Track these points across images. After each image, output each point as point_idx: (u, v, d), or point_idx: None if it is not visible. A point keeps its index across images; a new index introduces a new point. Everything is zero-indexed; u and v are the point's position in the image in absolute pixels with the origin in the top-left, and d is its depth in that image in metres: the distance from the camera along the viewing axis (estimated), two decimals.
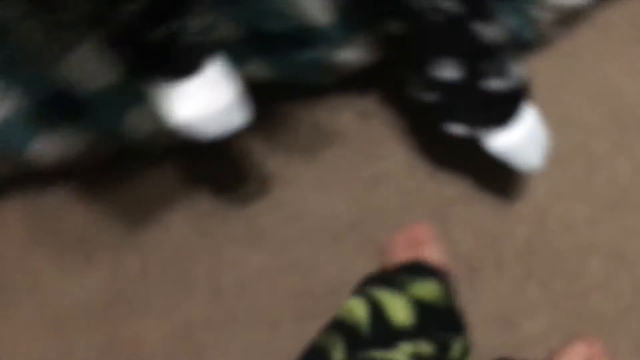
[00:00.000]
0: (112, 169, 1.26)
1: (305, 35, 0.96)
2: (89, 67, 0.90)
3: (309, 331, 1.22)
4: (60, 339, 1.31)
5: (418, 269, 1.02)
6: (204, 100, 0.85)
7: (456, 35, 0.90)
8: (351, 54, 1.03)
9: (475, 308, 1.19)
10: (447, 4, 0.85)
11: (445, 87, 0.95)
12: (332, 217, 1.23)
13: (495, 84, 0.95)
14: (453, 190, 1.20)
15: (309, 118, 1.25)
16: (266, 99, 1.05)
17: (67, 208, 1.31)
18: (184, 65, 0.83)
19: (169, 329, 1.27)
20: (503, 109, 0.98)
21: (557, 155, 1.18)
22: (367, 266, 1.21)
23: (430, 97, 0.99)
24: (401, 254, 1.13)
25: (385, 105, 1.23)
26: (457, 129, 1.01)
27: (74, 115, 1.03)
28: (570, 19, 1.12)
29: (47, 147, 1.08)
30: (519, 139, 1.00)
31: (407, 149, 1.21)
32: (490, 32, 0.90)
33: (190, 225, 1.28)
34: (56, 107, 0.99)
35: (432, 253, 1.14)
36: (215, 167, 1.26)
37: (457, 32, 0.89)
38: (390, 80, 1.21)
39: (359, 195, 1.22)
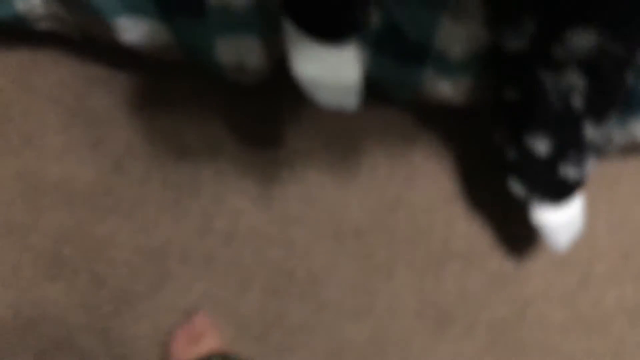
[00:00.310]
0: (171, 77, 1.25)
1: (427, 53, 0.99)
2: None
3: (272, 307, 1.24)
4: (32, 207, 1.27)
5: None
6: (331, 69, 0.86)
7: (566, 125, 0.95)
8: (450, 90, 1.06)
9: (427, 357, 1.24)
10: (575, 100, 0.90)
11: (529, 154, 1.00)
12: (343, 217, 1.25)
13: (570, 171, 1.02)
14: (460, 245, 1.24)
15: (361, 120, 1.27)
16: None
17: (104, 87, 1.28)
18: (335, 28, 0.84)
19: (144, 244, 1.25)
20: (563, 192, 1.05)
21: (562, 260, 1.25)
22: (354, 274, 1.24)
23: (510, 153, 1.04)
24: (183, 351, 1.17)
25: (440, 140, 1.27)
26: (516, 189, 1.07)
27: (174, 15, 1.01)
28: (633, 150, 1.19)
29: (132, 28, 1.06)
30: (561, 220, 1.07)
31: (439, 189, 1.25)
32: (595, 134, 0.96)
33: (207, 159, 1.27)
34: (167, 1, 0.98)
35: (212, 342, 1.18)
36: (259, 120, 1.26)
37: (569, 122, 0.94)
38: (454, 120, 1.25)
39: (376, 209, 1.25)
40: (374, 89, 1.17)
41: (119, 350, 1.22)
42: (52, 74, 1.32)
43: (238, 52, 1.05)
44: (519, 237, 1.24)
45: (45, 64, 1.32)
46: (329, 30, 0.84)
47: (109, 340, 1.23)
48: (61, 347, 1.23)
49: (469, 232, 1.25)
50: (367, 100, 1.25)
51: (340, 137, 1.26)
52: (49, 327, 1.25)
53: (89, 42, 1.27)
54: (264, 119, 1.26)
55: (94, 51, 1.30)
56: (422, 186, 1.26)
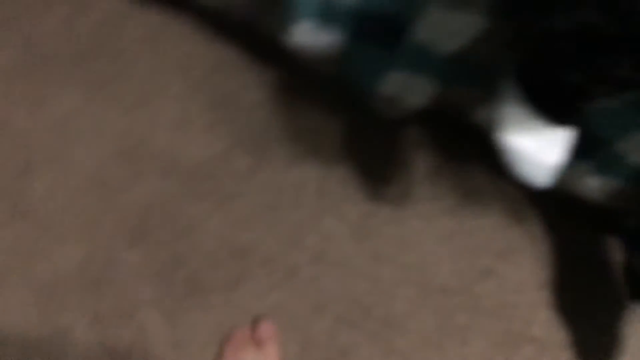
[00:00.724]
0: (306, 83, 1.23)
1: (602, 150, 0.98)
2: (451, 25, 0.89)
3: (342, 337, 1.21)
4: (130, 168, 1.25)
5: None
6: (543, 146, 0.85)
7: None
8: (597, 188, 1.04)
9: None
10: None
11: None
12: (434, 270, 1.23)
13: None
14: (538, 331, 1.23)
15: (475, 184, 1.27)
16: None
17: (235, 73, 1.27)
18: (569, 112, 0.83)
19: (231, 238, 1.23)
20: None
21: None
22: (430, 330, 1.22)
23: None
24: (235, 352, 1.15)
25: (545, 224, 1.26)
26: None
27: (363, 38, 1.00)
28: None
29: (310, 34, 1.05)
30: None
31: (531, 271, 1.24)
32: None
33: (316, 174, 1.25)
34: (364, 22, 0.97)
35: (270, 354, 1.16)
36: (380, 153, 1.25)
37: None
38: (564, 210, 1.25)
39: (467, 273, 1.24)
40: None
41: (180, 334, 1.19)
42: (186, 45, 1.31)
43: (405, 88, 1.04)
44: (596, 342, 1.24)
45: (182, 33, 1.31)
46: (562, 113, 0.83)
47: (172, 321, 1.20)
48: (121, 317, 1.20)
49: (550, 321, 1.24)
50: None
51: (452, 194, 1.26)
52: (113, 294, 1.21)
53: (235, 24, 1.26)
54: (386, 153, 1.26)
55: (236, 34, 1.29)
56: (516, 263, 1.25)
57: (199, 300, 1.21)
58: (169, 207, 1.24)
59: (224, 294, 1.21)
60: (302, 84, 1.26)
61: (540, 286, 1.25)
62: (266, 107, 1.27)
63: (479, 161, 1.24)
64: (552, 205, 1.25)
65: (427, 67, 0.96)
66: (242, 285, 1.22)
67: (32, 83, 1.29)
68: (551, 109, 0.83)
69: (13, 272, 1.23)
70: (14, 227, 1.25)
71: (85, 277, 1.22)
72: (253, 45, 1.28)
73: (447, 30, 0.89)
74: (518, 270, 1.25)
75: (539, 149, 0.87)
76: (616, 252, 1.24)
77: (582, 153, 1.00)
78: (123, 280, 1.22)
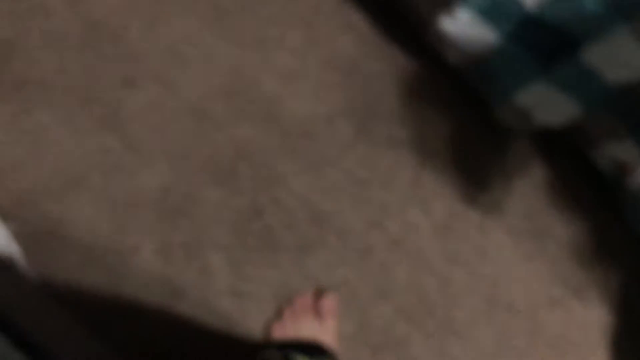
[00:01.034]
0: (436, 75, 1.21)
1: None
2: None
3: (399, 328, 1.20)
4: (232, 108, 1.23)
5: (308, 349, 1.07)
6: None
7: None
8: None
9: None
10: None
11: None
12: (505, 286, 1.22)
13: None
14: None
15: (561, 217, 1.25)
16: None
17: (362, 38, 1.24)
18: None
19: (314, 203, 1.21)
20: None
21: None
22: (489, 343, 1.21)
23: None
24: (300, 317, 1.15)
25: (627, 274, 1.24)
26: None
27: (519, 44, 0.96)
28: None
29: (464, 24, 1.01)
30: None
31: (601, 314, 1.23)
32: None
33: (414, 162, 1.23)
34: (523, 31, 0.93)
35: (328, 329, 1.16)
36: (488, 156, 1.22)
37: None
38: None
39: (537, 297, 1.22)
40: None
41: (241, 285, 1.18)
42: None
43: (545, 104, 1.00)
44: None
45: None
46: None
47: (237, 270, 1.19)
48: (188, 253, 1.19)
49: None
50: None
51: (545, 217, 1.23)
52: (186, 228, 1.20)
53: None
54: (491, 159, 1.23)
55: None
56: (588, 301, 1.23)
57: (268, 256, 1.19)
58: (260, 155, 1.22)
59: (295, 256, 1.20)
60: (426, 69, 1.22)
61: (604, 329, 1.24)
62: (382, 82, 1.24)
63: (581, 192, 1.22)
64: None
65: (583, 89, 0.93)
66: (313, 252, 1.20)
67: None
68: None
69: (91, 181, 1.22)
70: (101, 137, 1.23)
71: (161, 205, 1.20)
72: (386, 16, 1.24)
73: (625, 60, 0.85)
74: (587, 308, 1.23)
75: None
76: None
77: None
78: (198, 218, 1.20)
